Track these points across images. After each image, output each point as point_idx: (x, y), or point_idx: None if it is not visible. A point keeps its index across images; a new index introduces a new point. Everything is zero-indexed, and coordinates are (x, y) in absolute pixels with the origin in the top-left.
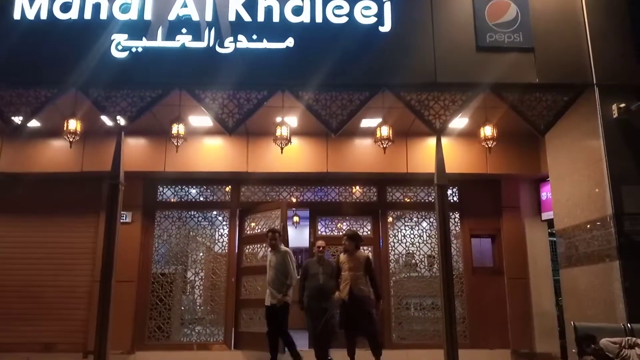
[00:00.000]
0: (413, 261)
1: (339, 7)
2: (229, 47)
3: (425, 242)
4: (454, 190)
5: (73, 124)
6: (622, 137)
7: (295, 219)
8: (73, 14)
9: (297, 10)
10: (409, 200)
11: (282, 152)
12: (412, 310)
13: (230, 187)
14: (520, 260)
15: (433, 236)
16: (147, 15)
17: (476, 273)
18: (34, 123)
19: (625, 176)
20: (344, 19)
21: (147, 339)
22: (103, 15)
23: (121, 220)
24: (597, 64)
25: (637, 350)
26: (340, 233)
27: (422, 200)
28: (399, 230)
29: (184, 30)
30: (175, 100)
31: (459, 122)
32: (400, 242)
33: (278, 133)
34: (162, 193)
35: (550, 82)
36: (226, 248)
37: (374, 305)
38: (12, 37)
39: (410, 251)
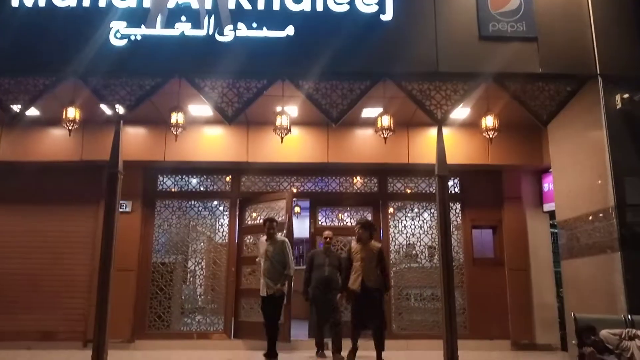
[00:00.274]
0: (414, 252)
1: None
2: (228, 35)
3: (425, 233)
4: (456, 181)
5: (72, 112)
6: (625, 128)
7: (297, 209)
8: (71, 1)
9: None
10: (409, 191)
11: (282, 142)
12: (412, 301)
13: (230, 177)
14: (521, 251)
15: (434, 227)
16: (146, 3)
17: (477, 264)
18: (33, 112)
19: (628, 167)
20: (345, 7)
21: (147, 328)
22: (102, 3)
23: (121, 210)
24: (601, 54)
25: (637, 342)
26: (341, 224)
27: (423, 191)
28: (400, 221)
29: (183, 18)
30: (174, 89)
31: (461, 113)
32: (400, 232)
33: (278, 122)
34: (162, 182)
35: (553, 72)
36: (226, 238)
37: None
38: (10, 25)
39: (411, 242)
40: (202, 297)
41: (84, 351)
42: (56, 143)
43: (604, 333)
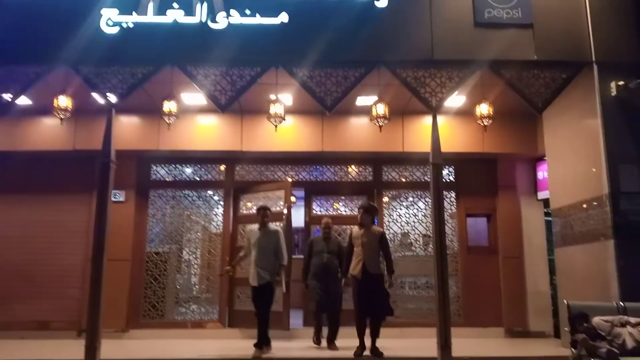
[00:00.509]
0: (408, 240)
1: None
2: (221, 22)
3: (420, 221)
4: (450, 169)
5: (64, 101)
6: (620, 115)
7: (292, 199)
8: None
9: None
10: (404, 179)
11: (276, 130)
12: (406, 289)
13: (224, 166)
14: (516, 239)
15: (428, 216)
16: None
17: (471, 252)
18: (24, 101)
19: (622, 155)
20: None
21: (142, 317)
22: None
23: (115, 199)
24: (597, 41)
25: (628, 329)
26: (336, 213)
27: (418, 180)
28: (395, 209)
29: (175, 5)
30: (167, 77)
31: (456, 101)
32: (395, 221)
33: (272, 111)
34: (155, 172)
35: (548, 59)
36: (221, 227)
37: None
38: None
39: (406, 231)
40: (197, 286)
41: (78, 340)
42: (48, 132)
43: (597, 320)
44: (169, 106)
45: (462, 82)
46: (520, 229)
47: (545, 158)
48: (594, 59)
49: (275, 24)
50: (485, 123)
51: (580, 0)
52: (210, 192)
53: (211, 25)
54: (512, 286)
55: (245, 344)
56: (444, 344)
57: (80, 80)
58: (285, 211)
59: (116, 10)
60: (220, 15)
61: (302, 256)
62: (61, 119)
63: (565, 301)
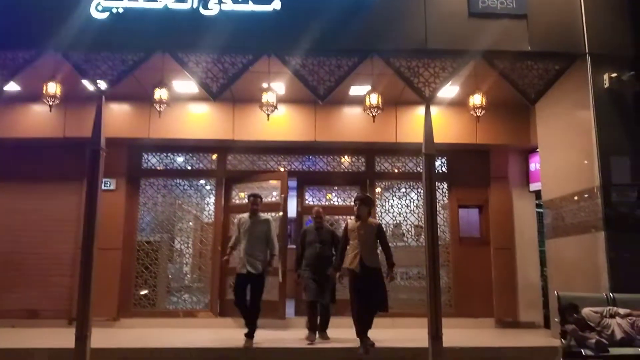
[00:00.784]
0: (400, 231)
1: None
2: (213, 9)
3: (412, 212)
4: (443, 160)
5: (53, 87)
6: (612, 107)
7: None
8: None
9: None
10: (397, 170)
11: (268, 119)
12: (398, 280)
13: (216, 155)
14: (507, 230)
15: (421, 206)
16: None
17: (463, 243)
18: (13, 87)
19: (614, 147)
20: None
21: (133, 306)
22: None
23: (105, 188)
24: (590, 33)
25: (617, 320)
26: (328, 203)
27: (411, 170)
28: (387, 200)
29: None
30: (158, 64)
31: (449, 92)
32: (387, 212)
33: (264, 99)
34: (146, 160)
35: (542, 50)
36: (213, 217)
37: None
38: None
39: (398, 221)
40: (189, 275)
41: (69, 329)
42: (38, 119)
43: (586, 311)
44: (160, 94)
45: (456, 72)
46: (511, 221)
47: (538, 150)
48: (587, 50)
49: (268, 11)
50: (478, 114)
51: None
52: (202, 181)
53: (203, 11)
54: (503, 277)
55: (236, 333)
56: (435, 334)
57: (69, 66)
58: (282, 202)
59: None
60: (212, 2)
61: (295, 246)
62: (50, 105)
63: (555, 292)
